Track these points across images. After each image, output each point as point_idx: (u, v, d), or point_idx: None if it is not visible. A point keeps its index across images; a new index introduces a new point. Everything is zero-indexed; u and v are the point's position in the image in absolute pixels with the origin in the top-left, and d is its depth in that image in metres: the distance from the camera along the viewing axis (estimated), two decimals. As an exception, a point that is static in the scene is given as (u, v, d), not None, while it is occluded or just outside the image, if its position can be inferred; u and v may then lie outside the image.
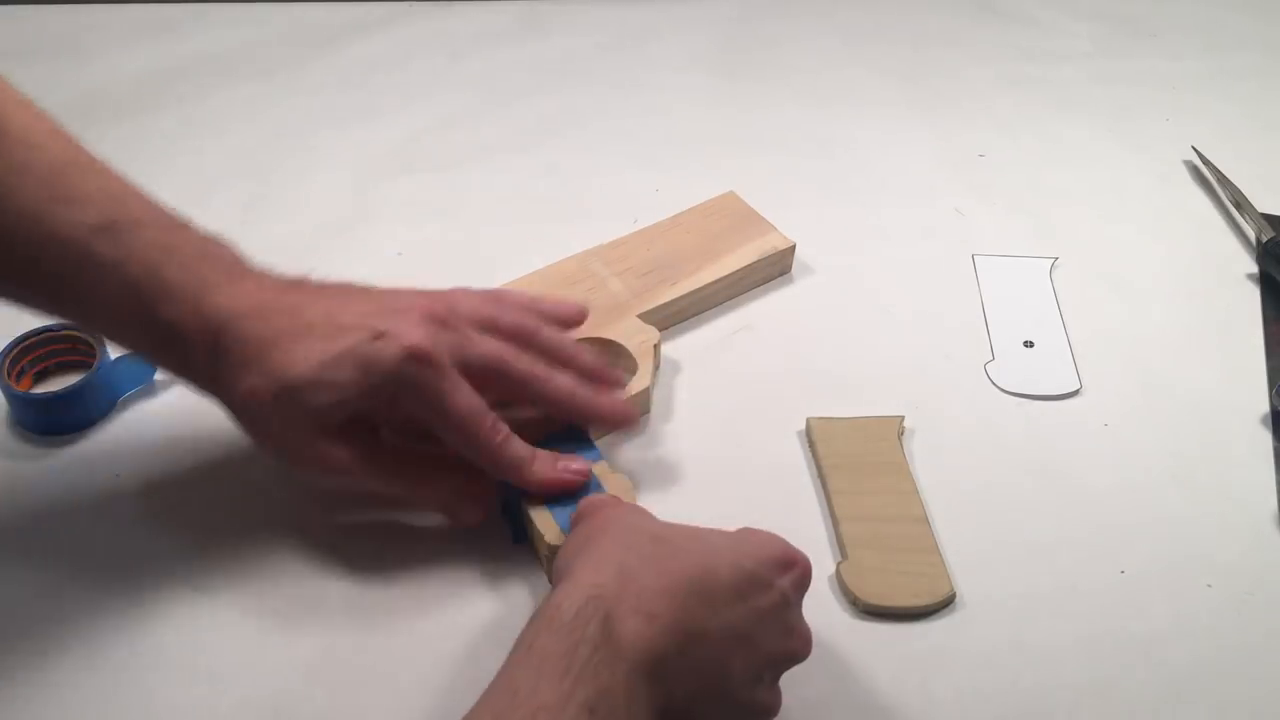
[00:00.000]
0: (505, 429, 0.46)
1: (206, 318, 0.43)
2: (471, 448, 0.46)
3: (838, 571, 0.48)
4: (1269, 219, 0.69)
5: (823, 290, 0.64)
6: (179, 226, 0.45)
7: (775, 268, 0.64)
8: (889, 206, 0.71)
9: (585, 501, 0.45)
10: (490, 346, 0.47)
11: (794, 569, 0.41)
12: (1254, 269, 0.67)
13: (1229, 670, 0.46)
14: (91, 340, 0.55)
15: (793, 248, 0.64)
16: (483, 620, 0.47)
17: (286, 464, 0.47)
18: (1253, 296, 0.65)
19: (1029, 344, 0.61)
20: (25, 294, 0.45)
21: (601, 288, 0.59)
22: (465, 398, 0.45)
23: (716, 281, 0.61)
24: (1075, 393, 0.58)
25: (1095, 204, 0.72)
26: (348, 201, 0.70)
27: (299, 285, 0.46)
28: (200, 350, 0.44)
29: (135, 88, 0.80)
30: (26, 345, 0.55)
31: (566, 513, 0.46)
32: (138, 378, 0.56)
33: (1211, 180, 0.73)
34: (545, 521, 0.47)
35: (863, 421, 0.55)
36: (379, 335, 0.44)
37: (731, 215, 0.65)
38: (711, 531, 0.42)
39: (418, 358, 0.44)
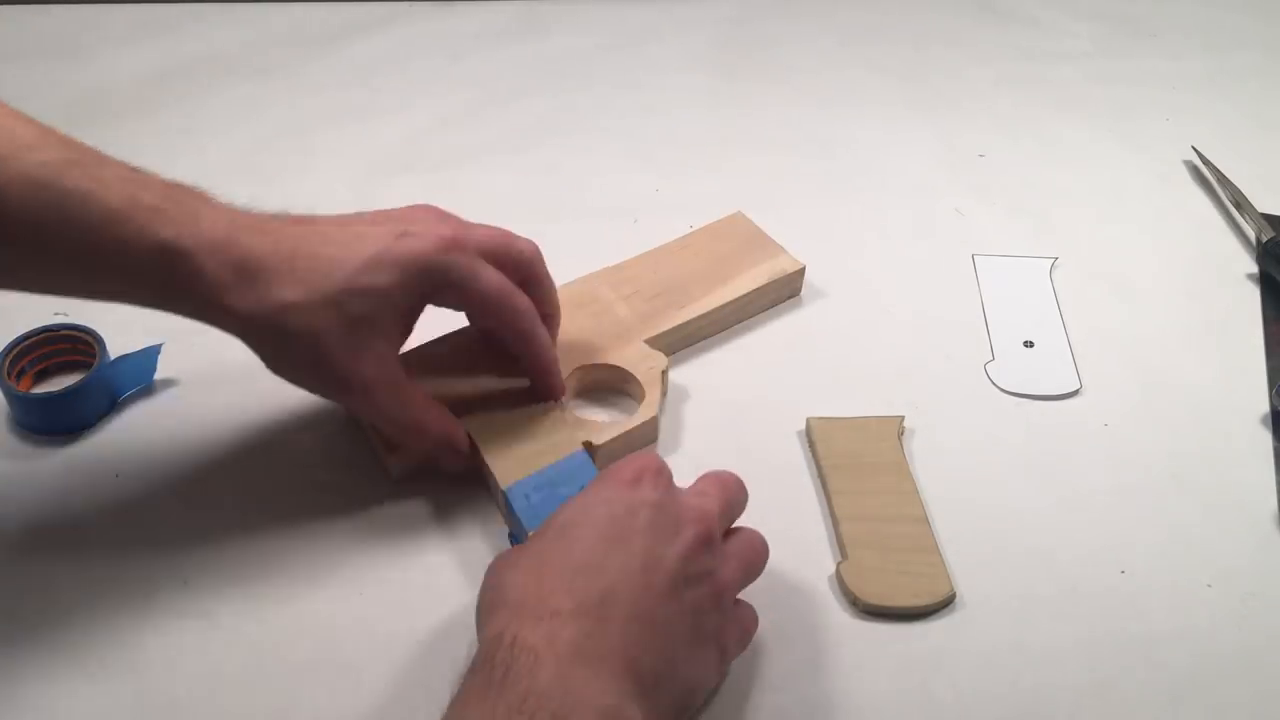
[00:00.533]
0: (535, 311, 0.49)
1: (210, 234, 0.42)
2: (510, 325, 0.48)
3: (838, 572, 0.48)
4: (1269, 219, 0.69)
5: (823, 290, 0.64)
6: (140, 169, 0.44)
7: (784, 290, 0.63)
8: (889, 206, 0.71)
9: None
10: (494, 275, 0.47)
11: (646, 473, 0.42)
12: (1254, 269, 0.67)
13: (1229, 671, 0.46)
14: (92, 340, 0.55)
15: (802, 270, 0.62)
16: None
17: (309, 383, 0.47)
18: (1253, 296, 0.65)
19: (1029, 344, 0.61)
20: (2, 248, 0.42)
21: (608, 312, 0.58)
22: (497, 277, 0.47)
23: (725, 306, 0.59)
24: (1075, 393, 0.58)
25: (1095, 204, 0.72)
26: (348, 201, 0.69)
27: (287, 214, 0.46)
28: (211, 266, 0.42)
29: (135, 88, 0.80)
30: (26, 345, 0.55)
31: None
32: (138, 378, 0.56)
33: (1211, 180, 0.73)
34: None
35: (862, 421, 0.55)
36: (404, 234, 0.45)
37: (739, 237, 0.64)
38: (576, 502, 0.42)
39: (451, 244, 0.45)
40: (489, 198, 0.71)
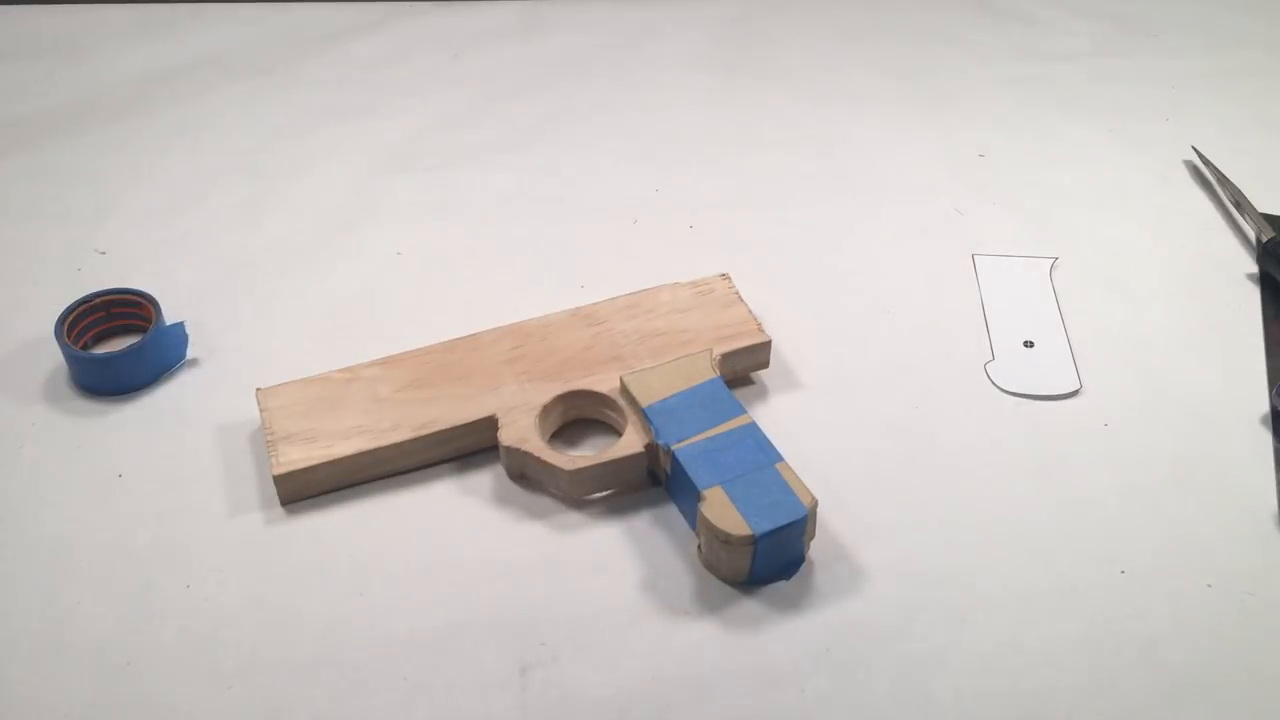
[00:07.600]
0: None
1: None
2: None
3: (702, 518, 0.47)
4: (1269, 219, 0.69)
5: (821, 290, 0.64)
6: None
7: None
8: (889, 206, 0.71)
9: None
10: None
11: None
12: (1254, 269, 0.67)
13: (1229, 670, 0.46)
14: (148, 304, 0.58)
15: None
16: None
17: None
18: (1253, 296, 0.65)
19: (1029, 344, 0.61)
20: None
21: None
22: None
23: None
24: (1075, 393, 0.58)
25: (1095, 204, 0.72)
26: (347, 201, 0.70)
27: None
28: None
29: (135, 87, 0.80)
30: (85, 309, 0.57)
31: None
32: (179, 350, 0.58)
33: (1211, 180, 0.73)
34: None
35: (674, 364, 0.53)
36: None
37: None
38: None
39: None
40: (489, 197, 0.71)
